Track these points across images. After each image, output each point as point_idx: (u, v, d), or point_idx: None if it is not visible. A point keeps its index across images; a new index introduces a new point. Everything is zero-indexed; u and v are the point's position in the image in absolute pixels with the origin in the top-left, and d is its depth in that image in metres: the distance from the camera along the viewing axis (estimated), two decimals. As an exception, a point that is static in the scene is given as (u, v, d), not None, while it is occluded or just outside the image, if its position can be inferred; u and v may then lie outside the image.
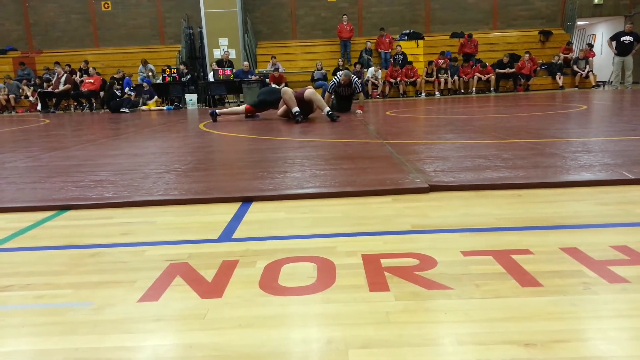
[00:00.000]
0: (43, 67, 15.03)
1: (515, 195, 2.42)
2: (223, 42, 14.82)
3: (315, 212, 2.28)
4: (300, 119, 6.56)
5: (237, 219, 2.21)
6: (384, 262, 1.62)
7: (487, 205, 2.27)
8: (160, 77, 13.61)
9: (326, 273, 1.55)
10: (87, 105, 13.67)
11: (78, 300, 1.43)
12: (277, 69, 13.65)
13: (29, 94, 14.06)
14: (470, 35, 14.93)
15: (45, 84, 13.99)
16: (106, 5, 16.56)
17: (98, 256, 1.80)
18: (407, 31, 15.94)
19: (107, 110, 12.25)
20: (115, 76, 13.25)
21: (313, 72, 14.13)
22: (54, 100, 13.80)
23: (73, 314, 1.34)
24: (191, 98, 13.14)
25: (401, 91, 14.16)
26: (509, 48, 15.22)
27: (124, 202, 2.53)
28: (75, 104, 13.99)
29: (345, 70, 8.26)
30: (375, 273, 1.53)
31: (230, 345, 1.15)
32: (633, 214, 2.05)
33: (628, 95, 10.40)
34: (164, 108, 12.71)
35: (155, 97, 12.99)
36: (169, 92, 13.49)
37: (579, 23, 16.79)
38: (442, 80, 14.20)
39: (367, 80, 13.93)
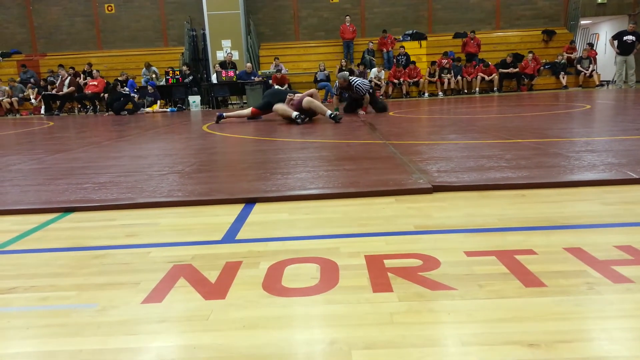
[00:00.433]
0: (47, 69, 15.08)
1: (518, 195, 2.42)
2: (226, 43, 14.85)
3: (318, 213, 2.28)
4: (300, 120, 6.56)
5: (241, 220, 2.21)
6: (387, 262, 1.62)
7: (490, 205, 2.27)
8: (164, 79, 13.64)
9: (329, 274, 1.55)
10: (91, 108, 13.71)
11: (82, 301, 1.44)
12: (279, 70, 13.65)
13: (32, 97, 14.08)
14: (472, 32, 14.90)
15: (49, 87, 14.04)
16: (110, 8, 16.62)
17: (102, 258, 1.80)
18: (410, 31, 15.92)
19: (111, 113, 12.28)
20: (119, 79, 13.29)
21: (316, 73, 14.13)
22: (57, 102, 13.85)
23: (77, 315, 1.35)
24: (194, 100, 13.17)
25: (404, 92, 14.14)
26: (512, 48, 15.17)
27: (127, 203, 2.54)
28: (79, 106, 14.04)
29: (341, 72, 8.15)
30: (379, 274, 1.53)
31: (234, 347, 1.15)
32: (637, 213, 2.05)
33: (632, 94, 10.35)
34: (168, 110, 12.74)
35: (158, 100, 13.00)
36: (172, 94, 13.51)
37: (582, 22, 16.74)
38: (445, 80, 14.18)
39: (370, 81, 13.91)
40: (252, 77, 13.25)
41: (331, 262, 1.65)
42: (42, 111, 13.89)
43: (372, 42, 15.14)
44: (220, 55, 14.66)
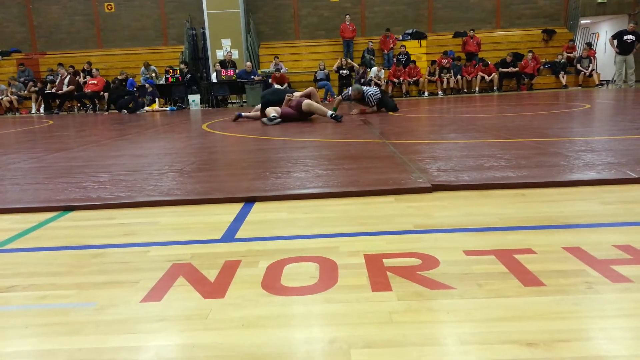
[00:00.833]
0: (47, 68, 15.07)
1: (518, 194, 2.42)
2: (226, 42, 14.84)
3: (318, 212, 2.28)
4: (271, 122, 6.55)
5: (240, 219, 2.21)
6: (387, 261, 1.62)
7: (490, 204, 2.27)
8: (164, 78, 13.63)
9: (328, 273, 1.55)
10: (91, 107, 13.71)
11: (81, 300, 1.44)
12: (278, 70, 13.64)
13: (33, 104, 14.00)
14: (472, 30, 14.91)
15: (49, 85, 14.03)
16: (109, 7, 16.61)
17: (101, 257, 1.80)
18: (410, 31, 15.91)
19: (111, 111, 12.28)
20: (119, 77, 13.28)
21: (316, 72, 14.13)
22: (57, 101, 13.84)
23: (76, 314, 1.35)
24: (194, 99, 13.16)
25: (404, 91, 14.14)
26: (512, 47, 15.16)
27: (127, 202, 2.54)
28: (79, 105, 14.04)
29: (356, 85, 8.18)
30: (378, 273, 1.53)
31: (233, 346, 1.15)
32: (636, 213, 2.05)
33: (631, 94, 10.35)
34: (167, 109, 12.73)
35: (157, 98, 13.00)
36: (172, 93, 13.50)
37: (582, 22, 16.73)
38: (445, 79, 14.17)
39: (370, 80, 13.91)
40: (252, 76, 13.25)
41: (330, 261, 1.65)
42: (41, 110, 13.87)
43: (372, 42, 15.13)
44: (220, 54, 14.65)
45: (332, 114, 6.64)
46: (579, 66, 14.45)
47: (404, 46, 14.82)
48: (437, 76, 14.25)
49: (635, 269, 1.48)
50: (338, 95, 13.53)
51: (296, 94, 7.36)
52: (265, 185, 2.77)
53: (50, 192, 2.84)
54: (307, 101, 6.83)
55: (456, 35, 15.75)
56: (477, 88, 14.19)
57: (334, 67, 14.06)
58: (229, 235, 1.99)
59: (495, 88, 14.19)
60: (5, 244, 2.02)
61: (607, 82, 14.85)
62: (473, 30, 14.98)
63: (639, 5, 15.99)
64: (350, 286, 1.45)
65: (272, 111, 6.78)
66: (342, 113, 7.15)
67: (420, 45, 15.49)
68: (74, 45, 16.66)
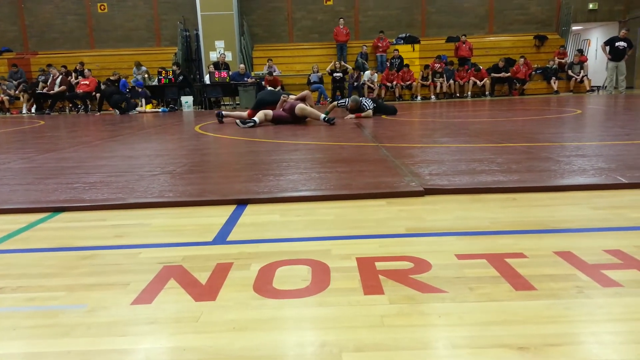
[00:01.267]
0: (38, 68, 14.96)
1: (509, 199, 2.43)
2: (219, 44, 14.81)
3: (310, 215, 2.27)
4: (246, 126, 6.56)
5: (232, 221, 2.20)
6: (379, 265, 1.62)
7: (481, 208, 2.28)
8: (156, 79, 13.58)
9: (321, 276, 1.54)
10: (82, 107, 13.62)
11: (71, 302, 1.42)
12: (271, 73, 13.62)
13: (24, 105, 13.88)
14: (464, 35, 15.02)
15: (40, 85, 13.93)
16: (102, 7, 16.53)
17: (91, 258, 1.79)
18: (404, 35, 15.99)
19: (103, 112, 12.21)
20: (112, 78, 13.21)
21: (309, 75, 14.14)
22: (49, 101, 13.74)
23: (66, 316, 1.33)
24: (187, 100, 13.12)
25: (397, 94, 14.19)
26: (505, 52, 15.27)
27: (118, 204, 2.52)
28: (70, 105, 13.95)
29: (353, 97, 8.28)
30: (370, 276, 1.53)
31: (224, 349, 1.15)
32: (627, 218, 2.06)
33: (622, 100, 10.46)
34: (159, 110, 12.68)
35: (144, 100, 12.93)
36: (164, 94, 13.45)
37: (574, 28, 16.89)
38: (438, 84, 14.25)
39: (363, 84, 13.95)
40: (245, 79, 13.23)
41: (322, 264, 1.64)
42: (33, 110, 13.77)
43: (365, 46, 15.18)
44: (214, 56, 14.62)
45: (325, 117, 6.64)
46: (570, 72, 14.58)
47: (397, 50, 14.88)
48: (430, 80, 14.31)
49: (625, 274, 1.49)
50: (331, 98, 13.59)
51: (292, 97, 7.36)
52: (258, 187, 2.76)
53: (40, 193, 2.82)
54: (300, 105, 6.83)
55: (449, 40, 15.85)
56: (469, 93, 14.28)
57: (327, 69, 14.09)
58: (221, 238, 1.98)
59: (487, 93, 14.29)
60: (-6, 245, 2.00)
61: (598, 88, 15.00)
62: (465, 36, 15.09)
63: (629, 12, 16.17)
64: (342, 289, 1.45)
65: (262, 114, 6.78)
66: (336, 117, 7.16)
67: (414, 49, 15.56)
68: (66, 45, 16.56)
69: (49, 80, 13.80)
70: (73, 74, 14.44)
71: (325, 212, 2.31)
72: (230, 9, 14.68)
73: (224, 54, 14.32)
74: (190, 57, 15.43)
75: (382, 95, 14.15)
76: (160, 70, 13.59)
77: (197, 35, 15.14)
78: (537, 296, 1.35)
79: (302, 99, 7.20)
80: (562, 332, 1.17)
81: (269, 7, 16.44)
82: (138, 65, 14.32)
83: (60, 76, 13.75)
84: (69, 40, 16.62)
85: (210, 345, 1.16)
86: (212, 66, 13.80)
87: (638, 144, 3.86)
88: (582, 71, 14.49)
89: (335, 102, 8.47)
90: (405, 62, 14.64)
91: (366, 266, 1.61)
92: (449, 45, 15.60)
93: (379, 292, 1.41)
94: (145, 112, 12.33)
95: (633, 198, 2.38)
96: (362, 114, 7.79)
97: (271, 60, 14.29)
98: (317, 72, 14.07)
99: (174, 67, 13.67)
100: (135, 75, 14.12)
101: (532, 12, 16.53)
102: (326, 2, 16.48)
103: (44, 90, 13.75)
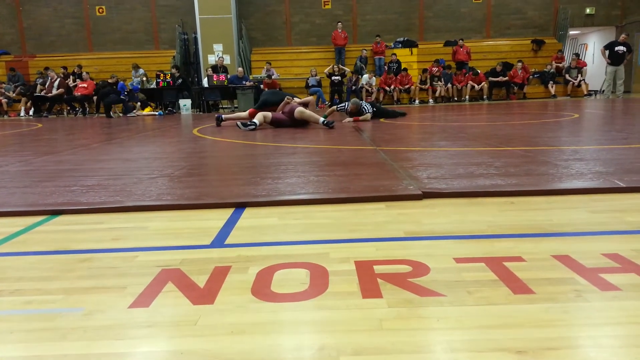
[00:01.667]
0: (36, 71, 14.95)
1: (507, 202, 2.43)
2: (218, 48, 14.83)
3: (309, 218, 2.27)
4: (247, 129, 6.59)
5: (230, 224, 2.20)
6: (377, 268, 1.61)
7: (479, 212, 2.28)
8: (154, 82, 13.57)
9: (319, 279, 1.54)
10: (80, 110, 13.61)
11: (68, 305, 1.42)
12: (269, 76, 13.64)
13: (22, 108, 13.85)
14: (461, 39, 15.09)
15: (38, 88, 13.91)
16: (101, 10, 16.53)
17: (89, 261, 1.78)
18: (401, 39, 16.04)
19: (101, 115, 12.20)
20: (110, 81, 13.20)
21: (307, 78, 14.16)
22: (47, 104, 13.72)
23: (63, 319, 1.33)
24: (185, 103, 13.11)
25: (395, 98, 14.21)
26: (502, 57, 15.33)
27: (115, 207, 2.52)
28: (68, 108, 13.93)
29: (354, 99, 8.32)
30: (368, 280, 1.53)
31: (222, 352, 1.14)
32: (624, 221, 2.07)
33: (619, 104, 10.49)
34: (156, 114, 12.67)
35: (139, 103, 12.93)
36: (162, 97, 13.45)
37: (571, 32, 16.96)
38: (438, 88, 14.28)
39: (362, 87, 13.97)
40: (244, 82, 13.24)
41: (321, 267, 1.64)
42: (31, 113, 13.75)
43: (365, 50, 15.23)
44: (212, 59, 14.63)
45: (324, 121, 6.65)
46: (567, 76, 14.63)
47: (394, 54, 14.92)
48: (428, 84, 14.35)
49: (623, 277, 1.49)
50: (329, 102, 13.61)
51: (296, 99, 7.37)
52: (256, 190, 2.76)
53: (37, 195, 2.81)
54: (299, 109, 6.84)
55: (447, 44, 15.90)
56: (467, 96, 14.31)
57: (325, 71, 14.12)
58: (219, 241, 1.98)
59: (485, 97, 14.32)
60: (-9, 247, 1.99)
61: (596, 92, 15.05)
62: (463, 40, 15.14)
63: (626, 17, 16.25)
64: (340, 293, 1.44)
65: (261, 116, 6.79)
66: (335, 120, 7.16)
67: (412, 53, 15.61)
68: (64, 48, 16.55)
69: (47, 83, 13.78)
70: (71, 76, 14.43)
71: (323, 216, 2.31)
72: (229, 13, 14.70)
73: (222, 57, 14.33)
74: (189, 60, 15.44)
75: (380, 99, 14.18)
76: (158, 73, 13.59)
77: (196, 39, 15.15)
78: (536, 300, 1.35)
79: (305, 105, 7.22)
80: (561, 335, 1.17)
81: (268, 10, 16.47)
82: (135, 67, 14.32)
83: (58, 79, 13.73)
84: (67, 43, 16.61)
85: (208, 348, 1.16)
86: (210, 69, 13.80)
87: (636, 148, 3.87)
88: (579, 75, 14.54)
89: (335, 107, 8.50)
90: (403, 66, 14.68)
91: (364, 270, 1.61)
92: (446, 49, 15.64)
93: (377, 295, 1.41)
94: (143, 115, 12.31)
95: (631, 202, 2.38)
96: (360, 118, 7.80)
97: (270, 63, 14.31)
98: (316, 75, 14.09)
99: (173, 70, 13.66)
100: (134, 77, 14.12)
101: (530, 16, 16.60)
102: (324, 6, 16.52)
103: (42, 93, 13.72)
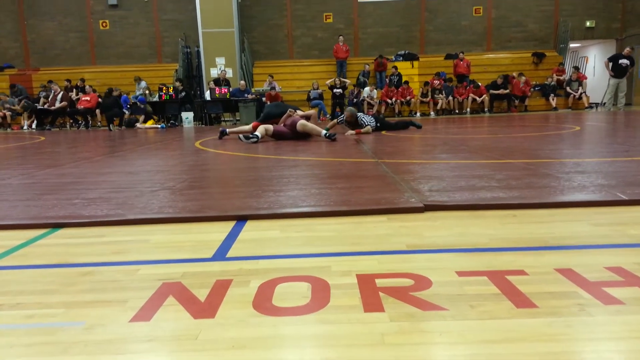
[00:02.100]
0: (40, 84, 15.06)
1: (509, 215, 2.42)
2: (220, 61, 14.94)
3: (310, 231, 2.27)
4: (250, 142, 6.63)
5: (232, 237, 2.20)
6: (379, 282, 1.61)
7: (481, 225, 2.27)
8: (157, 96, 13.65)
9: (320, 293, 1.54)
10: (83, 123, 13.68)
11: (69, 319, 1.41)
12: (273, 88, 13.73)
13: (25, 122, 13.93)
14: (462, 52, 15.19)
15: (42, 101, 14.00)
16: (104, 24, 16.70)
17: (90, 275, 1.78)
18: (402, 52, 16.14)
19: (105, 128, 12.27)
20: (114, 94, 13.29)
21: (309, 91, 14.24)
22: (49, 117, 13.80)
23: (64, 333, 1.32)
24: (187, 116, 13.18)
25: (396, 111, 14.27)
26: (503, 69, 15.41)
27: (117, 220, 2.52)
28: (71, 121, 14.00)
29: (349, 108, 8.37)
30: (370, 293, 1.52)
31: (223, 367, 1.13)
32: (627, 235, 2.06)
33: (621, 116, 10.51)
34: (158, 127, 12.72)
35: (143, 116, 12.99)
36: (165, 110, 13.52)
37: (571, 45, 17.06)
38: (439, 100, 14.34)
39: (363, 100, 14.03)
40: (246, 95, 13.31)
41: (322, 281, 1.64)
42: (34, 126, 13.82)
43: (367, 64, 15.34)
44: (214, 73, 14.73)
45: (326, 133, 6.67)
46: (568, 89, 14.68)
47: (396, 67, 15.01)
48: (429, 97, 14.41)
49: (626, 291, 1.48)
50: (331, 114, 13.67)
51: (298, 112, 7.40)
52: (258, 203, 2.76)
53: (39, 208, 2.81)
54: (301, 121, 6.87)
55: (448, 57, 15.99)
56: (468, 109, 14.36)
57: (327, 82, 14.22)
58: (221, 254, 1.97)
59: (486, 109, 14.36)
60: (-8, 261, 1.99)
61: (597, 104, 15.09)
62: (463, 53, 15.24)
63: (626, 30, 16.34)
64: (342, 306, 1.44)
65: (262, 129, 6.81)
66: (337, 133, 7.18)
67: (413, 66, 15.70)
68: (68, 61, 16.69)
69: (50, 96, 13.88)
70: (74, 90, 14.52)
71: (325, 228, 2.30)
72: (231, 26, 14.83)
73: (224, 70, 14.43)
74: (191, 74, 15.55)
75: (382, 111, 14.23)
76: (160, 86, 13.67)
77: (198, 52, 15.27)
78: (538, 314, 1.35)
79: (307, 118, 7.25)
80: (564, 350, 1.16)
81: (270, 24, 16.61)
82: (138, 80, 14.41)
83: (62, 92, 13.83)
84: (70, 56, 16.75)
85: (209, 363, 1.15)
86: (212, 82, 13.89)
87: (638, 161, 3.87)
88: (580, 88, 14.60)
89: (336, 120, 8.54)
90: (404, 78, 14.76)
91: (366, 283, 1.60)
92: (447, 62, 15.74)
93: (379, 309, 1.40)
94: (145, 128, 12.37)
95: (633, 215, 2.37)
96: (362, 130, 7.82)
97: (272, 76, 14.40)
98: (317, 88, 14.18)
99: (177, 84, 13.75)
100: (137, 91, 14.20)
101: (530, 29, 16.71)
102: (326, 20, 16.66)
103: (45, 106, 13.81)
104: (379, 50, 16.00)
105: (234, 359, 1.17)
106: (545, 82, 14.99)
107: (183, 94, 13.52)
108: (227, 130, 7.85)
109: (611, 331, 1.25)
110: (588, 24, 16.54)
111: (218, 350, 1.21)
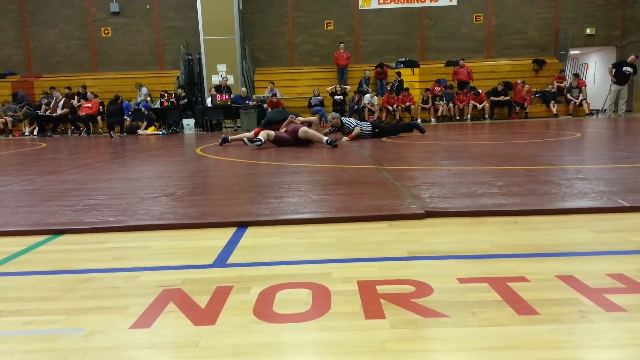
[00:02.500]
0: (42, 91, 15.12)
1: (510, 222, 2.42)
2: (221, 68, 15.00)
3: (311, 238, 2.27)
4: (254, 146, 6.71)
5: (232, 244, 2.20)
6: (380, 288, 1.60)
7: (482, 232, 2.27)
8: (158, 102, 13.69)
9: (321, 300, 1.53)
10: (84, 130, 13.71)
11: (69, 326, 1.41)
12: (274, 95, 13.77)
13: (27, 129, 13.98)
14: (462, 59, 15.24)
15: (43, 107, 14.05)
16: (106, 32, 16.78)
17: (90, 281, 1.78)
18: (403, 59, 16.20)
19: (106, 134, 12.30)
20: (119, 101, 13.32)
21: (310, 98, 14.27)
22: (51, 124, 13.85)
23: (64, 340, 1.32)
24: (189, 123, 13.21)
25: (397, 117, 14.29)
26: (504, 76, 15.45)
27: (118, 226, 2.52)
28: (73, 128, 14.04)
29: (332, 114, 8.48)
30: (371, 300, 1.51)
31: (223, 374, 1.13)
32: (629, 241, 2.05)
33: (621, 123, 10.51)
34: (160, 133, 12.75)
35: (146, 122, 13.03)
36: (166, 117, 13.55)
37: (572, 52, 17.10)
38: (440, 107, 14.38)
39: (364, 106, 14.06)
40: (247, 101, 13.35)
41: (323, 287, 1.63)
42: (35, 132, 13.86)
43: (368, 71, 15.39)
44: (216, 79, 14.79)
45: (327, 140, 6.69)
46: (569, 95, 14.71)
47: (399, 73, 15.07)
48: (430, 104, 14.44)
49: (628, 298, 1.47)
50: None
51: (299, 118, 7.42)
52: (259, 209, 2.76)
53: (40, 215, 2.81)
54: (303, 128, 6.89)
55: (448, 64, 16.05)
56: (469, 116, 14.39)
57: (328, 89, 14.29)
58: (221, 261, 1.97)
59: (487, 116, 14.39)
60: (-7, 267, 1.99)
61: (597, 111, 15.11)
62: (464, 60, 15.29)
63: (626, 37, 16.39)
64: (343, 313, 1.43)
65: (264, 134, 6.84)
66: (337, 139, 7.19)
67: (413, 73, 15.75)
68: (70, 68, 16.76)
69: (52, 103, 13.93)
70: (76, 96, 14.58)
71: (326, 235, 2.30)
72: (233, 34, 14.91)
73: (226, 77, 14.49)
74: (193, 81, 15.61)
75: (383, 118, 14.26)
76: (162, 93, 13.72)
77: (200, 59, 15.34)
78: (540, 321, 1.34)
79: (309, 124, 7.27)
80: (565, 357, 1.15)
81: (271, 31, 16.69)
82: (139, 86, 14.46)
83: (63, 99, 13.88)
84: (72, 63, 16.83)
85: (209, 370, 1.15)
86: (214, 89, 13.94)
87: (639, 167, 3.86)
88: (580, 95, 14.62)
89: (328, 130, 8.59)
90: (405, 85, 14.80)
91: (367, 290, 1.60)
92: (448, 69, 15.79)
93: (380, 316, 1.40)
94: (147, 135, 12.39)
95: (635, 221, 2.37)
96: (353, 134, 7.89)
97: (273, 83, 14.44)
98: (318, 95, 14.22)
99: (179, 90, 13.80)
100: (138, 97, 14.24)
101: (530, 36, 16.77)
102: (327, 27, 16.73)
103: (47, 113, 13.86)
104: (380, 57, 16.07)
105: (235, 366, 1.16)
106: (546, 89, 15.02)
107: (185, 100, 13.56)
108: (229, 137, 7.87)
109: (613, 338, 1.24)
110: (588, 31, 16.60)
111: (218, 357, 1.21)
